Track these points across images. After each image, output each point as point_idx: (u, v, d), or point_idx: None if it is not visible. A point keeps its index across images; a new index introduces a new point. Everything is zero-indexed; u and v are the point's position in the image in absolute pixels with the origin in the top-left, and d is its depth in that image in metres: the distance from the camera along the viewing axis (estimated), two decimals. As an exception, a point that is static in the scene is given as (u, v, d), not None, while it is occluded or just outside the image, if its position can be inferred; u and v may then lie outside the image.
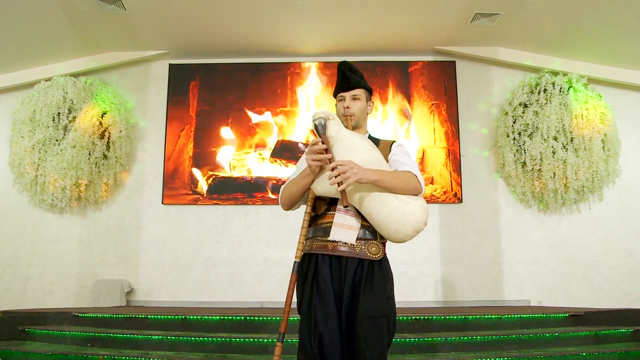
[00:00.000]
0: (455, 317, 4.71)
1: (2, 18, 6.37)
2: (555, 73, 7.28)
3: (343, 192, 2.25)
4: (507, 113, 7.24)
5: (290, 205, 2.59)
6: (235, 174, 7.51)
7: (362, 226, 2.37)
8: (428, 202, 7.17)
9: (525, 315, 4.96)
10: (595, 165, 6.87)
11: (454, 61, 7.71)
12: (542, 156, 6.93)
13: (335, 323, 2.30)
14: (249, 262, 7.22)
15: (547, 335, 4.58)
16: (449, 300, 7.09)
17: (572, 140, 6.93)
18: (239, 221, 7.39)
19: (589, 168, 6.87)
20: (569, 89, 7.10)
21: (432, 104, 7.62)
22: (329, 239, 2.38)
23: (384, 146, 2.54)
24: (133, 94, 7.79)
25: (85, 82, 7.41)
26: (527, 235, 7.25)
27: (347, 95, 2.57)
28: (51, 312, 5.17)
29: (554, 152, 6.90)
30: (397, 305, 6.85)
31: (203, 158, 7.56)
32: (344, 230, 2.37)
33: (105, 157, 7.26)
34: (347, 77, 2.59)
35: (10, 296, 7.23)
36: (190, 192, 7.46)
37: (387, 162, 2.46)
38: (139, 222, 7.42)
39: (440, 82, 7.68)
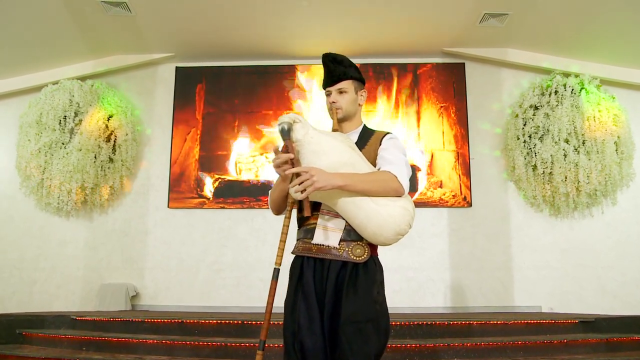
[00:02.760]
0: (459, 323, 4.59)
1: (8, 22, 6.38)
2: (566, 74, 7.14)
3: (305, 201, 2.16)
4: (517, 115, 7.11)
5: (276, 210, 2.51)
6: (242, 177, 7.45)
7: (346, 228, 2.26)
8: (437, 205, 7.17)
9: (532, 321, 4.83)
10: (608, 168, 6.71)
11: (463, 63, 7.60)
12: (553, 159, 6.78)
13: (319, 327, 2.20)
14: (255, 267, 7.15)
15: (556, 342, 4.44)
16: (458, 306, 6.96)
17: (584, 143, 6.78)
18: (245, 225, 7.32)
19: (602, 171, 6.71)
20: (580, 90, 6.96)
21: (441, 106, 7.51)
22: (312, 241, 2.29)
23: (375, 139, 2.41)
24: (139, 97, 7.78)
25: (92, 86, 7.40)
26: (538, 240, 7.11)
27: (333, 89, 2.45)
28: (49, 316, 5.16)
29: (565, 155, 6.75)
30: (405, 311, 6.71)
31: (209, 161, 7.51)
32: (326, 233, 2.27)
33: (111, 160, 7.24)
34: (330, 70, 2.46)
35: (17, 299, 7.23)
36: (197, 195, 7.42)
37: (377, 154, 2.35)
38: (145, 225, 7.39)
39: (449, 84, 7.57)
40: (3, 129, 7.73)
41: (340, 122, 2.48)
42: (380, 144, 2.39)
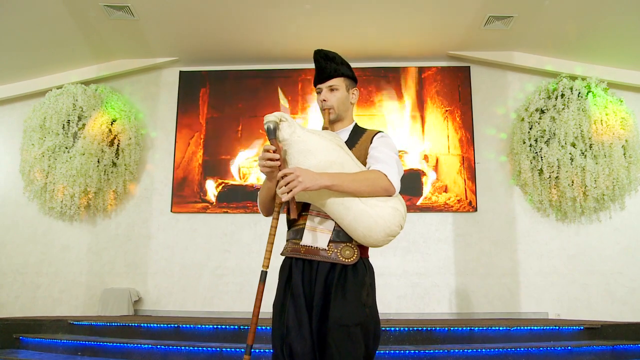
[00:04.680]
0: (460, 329, 4.50)
1: (12, 27, 6.40)
2: (573, 77, 7.04)
3: (292, 202, 2.11)
4: (523, 119, 7.02)
5: (266, 212, 2.46)
6: (245, 182, 7.41)
7: (335, 229, 2.20)
8: (442, 210, 7.09)
9: (536, 328, 4.73)
10: (616, 172, 6.60)
11: (469, 66, 7.53)
12: (559, 163, 6.69)
13: (307, 331, 2.14)
14: (258, 272, 7.00)
15: (559, 349, 4.34)
16: (464, 312, 6.87)
17: (591, 147, 6.69)
18: (249, 230, 7.27)
19: (609, 175, 6.60)
20: (587, 93, 6.87)
21: (446, 110, 7.44)
22: (301, 243, 2.23)
23: (366, 137, 2.36)
24: (143, 102, 7.77)
25: (96, 90, 7.41)
26: (545, 245, 6.99)
27: (324, 86, 2.40)
28: (46, 320, 5.14)
29: (572, 159, 6.66)
30: (409, 317, 6.60)
31: (213, 166, 7.48)
32: (315, 234, 2.21)
33: (114, 164, 7.23)
34: (322, 67, 2.41)
35: (20, 304, 7.22)
36: (200, 200, 7.38)
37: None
38: (148, 230, 7.35)
39: (454, 87, 7.50)
40: (8, 133, 7.76)
41: (332, 122, 2.44)
42: (370, 143, 2.34)
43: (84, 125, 7.13)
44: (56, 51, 7.10)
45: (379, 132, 2.39)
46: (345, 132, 2.42)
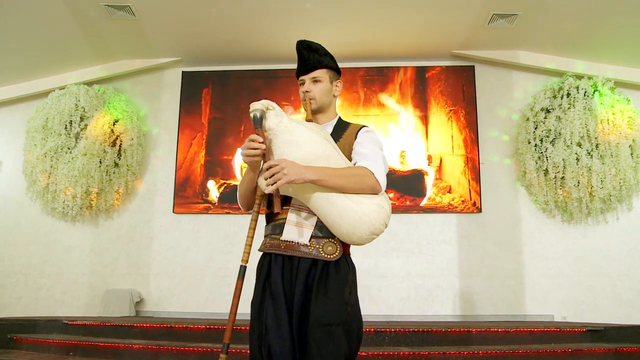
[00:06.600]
0: (457, 330, 4.42)
1: (14, 28, 6.40)
2: (579, 76, 6.94)
3: (275, 195, 2.05)
4: (528, 119, 6.92)
5: (246, 205, 2.39)
6: (248, 182, 7.36)
7: (318, 224, 2.14)
8: (445, 211, 7.00)
9: (536, 330, 4.63)
10: (623, 172, 6.48)
11: (473, 66, 7.44)
12: (565, 163, 6.58)
13: (287, 330, 2.08)
14: (261, 273, 7.01)
15: (560, 351, 4.24)
16: (468, 315, 6.77)
17: (597, 147, 6.57)
18: (251, 231, 7.21)
19: (616, 176, 6.49)
20: (594, 92, 6.76)
21: (450, 110, 7.35)
22: (281, 238, 2.17)
23: (351, 132, 2.30)
24: (146, 102, 7.76)
25: (98, 90, 7.40)
26: (551, 247, 6.88)
27: (307, 78, 2.34)
28: (41, 320, 5.13)
29: (577, 159, 6.55)
30: (412, 319, 6.51)
31: (215, 166, 7.45)
32: (297, 229, 2.15)
33: (116, 165, 7.22)
34: (305, 58, 2.35)
35: (23, 305, 7.22)
36: (202, 200, 7.35)
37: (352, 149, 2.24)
38: (150, 231, 7.33)
39: (458, 87, 7.41)
40: (11, 134, 7.77)
41: (315, 113, 2.38)
42: (355, 138, 2.28)
43: (86, 125, 7.12)
44: (58, 52, 7.11)
45: (364, 126, 2.34)
46: (329, 126, 2.37)
